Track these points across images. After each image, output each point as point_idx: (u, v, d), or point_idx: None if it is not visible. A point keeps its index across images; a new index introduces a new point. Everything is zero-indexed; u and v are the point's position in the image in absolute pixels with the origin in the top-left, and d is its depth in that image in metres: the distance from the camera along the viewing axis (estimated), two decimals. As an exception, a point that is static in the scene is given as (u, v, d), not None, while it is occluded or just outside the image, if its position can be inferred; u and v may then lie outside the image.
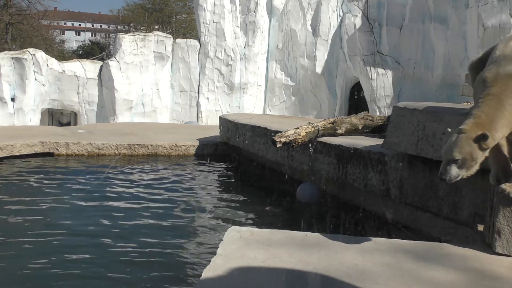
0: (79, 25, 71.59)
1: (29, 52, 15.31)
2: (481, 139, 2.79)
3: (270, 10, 16.94)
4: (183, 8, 41.80)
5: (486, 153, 2.91)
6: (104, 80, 16.08)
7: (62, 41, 54.26)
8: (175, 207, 6.30)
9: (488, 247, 3.29)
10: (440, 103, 5.68)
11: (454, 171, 2.90)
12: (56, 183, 7.23)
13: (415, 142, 4.32)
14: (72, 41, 61.85)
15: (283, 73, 16.93)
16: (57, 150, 8.86)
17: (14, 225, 5.39)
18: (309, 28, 16.34)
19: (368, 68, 14.93)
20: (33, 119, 15.30)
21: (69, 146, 8.91)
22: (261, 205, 6.30)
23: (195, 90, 16.81)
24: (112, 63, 15.98)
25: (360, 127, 6.62)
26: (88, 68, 16.15)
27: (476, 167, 2.94)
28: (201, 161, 8.98)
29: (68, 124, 16.08)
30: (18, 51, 16.04)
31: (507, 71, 2.94)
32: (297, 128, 6.06)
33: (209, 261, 2.96)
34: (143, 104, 16.39)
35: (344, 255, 3.10)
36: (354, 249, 3.20)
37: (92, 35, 62.72)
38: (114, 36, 24.54)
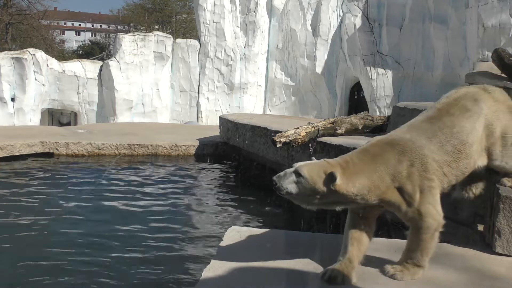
0: (79, 25, 71.54)
1: (29, 52, 15.30)
2: (330, 176, 2.63)
3: (270, 10, 16.93)
4: (183, 8, 41.78)
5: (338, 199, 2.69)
6: (104, 80, 16.07)
7: (62, 41, 54.23)
8: (175, 207, 6.30)
9: (488, 247, 3.29)
10: (440, 103, 5.67)
11: (289, 184, 2.68)
12: (56, 183, 7.23)
13: (415, 142, 4.31)
14: (72, 41, 61.82)
15: (283, 73, 16.93)
16: (57, 150, 8.86)
17: (14, 225, 5.39)
18: (309, 28, 16.33)
19: (368, 68, 14.93)
20: (33, 119, 15.30)
21: (69, 146, 8.91)
22: (261, 205, 6.30)
23: (195, 90, 16.81)
24: (112, 63, 15.98)
25: (360, 127, 6.61)
26: (88, 68, 16.14)
27: (317, 202, 2.73)
28: (201, 161, 8.98)
29: (68, 124, 16.07)
30: (18, 51, 16.03)
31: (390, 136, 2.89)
32: (297, 128, 6.06)
33: (209, 261, 2.96)
34: (143, 104, 16.39)
35: (344, 255, 3.10)
36: (354, 249, 3.19)
37: (92, 35, 62.69)
38: (114, 36, 24.55)
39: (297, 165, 2.74)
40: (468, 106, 2.99)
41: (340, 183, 2.64)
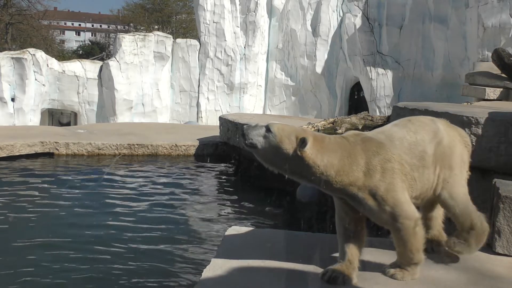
0: (79, 25, 71.49)
1: (29, 52, 15.29)
2: (301, 141, 2.56)
3: (270, 10, 16.93)
4: (183, 8, 41.75)
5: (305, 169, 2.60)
6: (104, 80, 16.07)
7: (62, 41, 54.19)
8: (175, 207, 6.30)
9: (488, 247, 3.29)
10: (440, 103, 5.68)
11: (256, 136, 2.60)
12: (56, 183, 7.23)
13: (415, 142, 4.30)
14: (72, 41, 61.76)
15: (283, 73, 16.93)
16: (57, 150, 8.86)
17: (13, 225, 5.39)
18: (309, 28, 16.33)
19: (368, 68, 14.94)
20: (33, 119, 15.29)
21: (69, 146, 8.91)
22: (261, 205, 6.30)
23: (195, 90, 16.81)
24: (112, 63, 15.98)
25: (360, 127, 6.62)
26: (88, 68, 16.14)
27: (279, 164, 2.65)
28: (201, 161, 8.98)
29: (68, 124, 16.07)
30: (18, 51, 16.02)
31: (366, 135, 2.84)
32: (297, 128, 6.05)
33: (209, 261, 2.96)
34: (143, 104, 16.38)
35: (344, 255, 3.10)
36: (354, 249, 3.19)
37: (92, 35, 62.64)
38: (114, 36, 24.54)
39: (271, 122, 2.68)
40: (426, 122, 3.02)
41: (309, 152, 2.57)
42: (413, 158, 2.81)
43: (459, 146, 3.05)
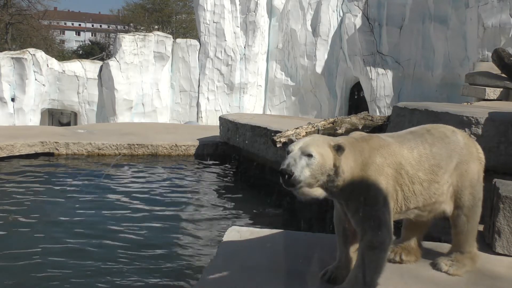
0: (79, 25, 71.48)
1: (29, 52, 15.29)
2: (338, 147, 2.43)
3: (270, 10, 16.93)
4: (183, 8, 41.75)
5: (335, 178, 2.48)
6: (104, 80, 16.07)
7: (62, 41, 54.15)
8: (175, 207, 6.30)
9: (488, 247, 3.30)
10: (440, 103, 5.68)
11: (302, 170, 2.36)
12: (56, 183, 7.23)
13: (415, 142, 4.30)
14: (72, 41, 61.74)
15: (283, 73, 16.93)
16: (57, 150, 8.86)
17: (13, 225, 5.40)
18: (309, 28, 16.34)
19: (368, 68, 14.94)
20: (33, 119, 15.29)
21: (69, 146, 8.91)
22: (261, 205, 6.30)
23: (195, 90, 16.81)
24: (112, 63, 15.98)
25: (360, 127, 6.61)
26: (88, 68, 16.14)
27: (319, 181, 2.45)
28: (201, 161, 8.98)
29: (68, 124, 16.06)
30: (18, 51, 16.02)
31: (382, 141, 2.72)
32: (297, 128, 6.06)
33: (209, 261, 2.96)
34: (143, 104, 16.38)
35: (344, 255, 3.10)
36: (354, 249, 3.19)
37: (92, 35, 62.62)
38: (114, 36, 24.54)
39: (299, 146, 2.42)
40: (447, 133, 2.92)
41: (342, 159, 2.46)
42: (420, 171, 2.72)
43: (475, 163, 2.96)
